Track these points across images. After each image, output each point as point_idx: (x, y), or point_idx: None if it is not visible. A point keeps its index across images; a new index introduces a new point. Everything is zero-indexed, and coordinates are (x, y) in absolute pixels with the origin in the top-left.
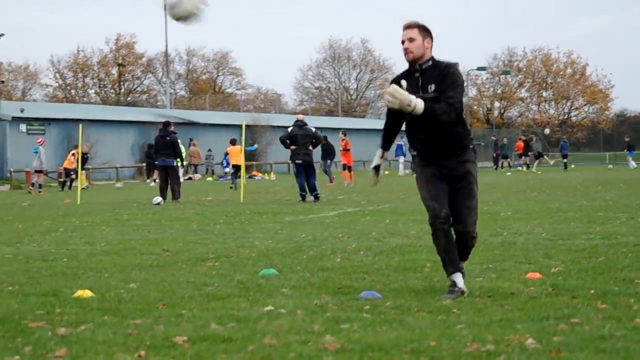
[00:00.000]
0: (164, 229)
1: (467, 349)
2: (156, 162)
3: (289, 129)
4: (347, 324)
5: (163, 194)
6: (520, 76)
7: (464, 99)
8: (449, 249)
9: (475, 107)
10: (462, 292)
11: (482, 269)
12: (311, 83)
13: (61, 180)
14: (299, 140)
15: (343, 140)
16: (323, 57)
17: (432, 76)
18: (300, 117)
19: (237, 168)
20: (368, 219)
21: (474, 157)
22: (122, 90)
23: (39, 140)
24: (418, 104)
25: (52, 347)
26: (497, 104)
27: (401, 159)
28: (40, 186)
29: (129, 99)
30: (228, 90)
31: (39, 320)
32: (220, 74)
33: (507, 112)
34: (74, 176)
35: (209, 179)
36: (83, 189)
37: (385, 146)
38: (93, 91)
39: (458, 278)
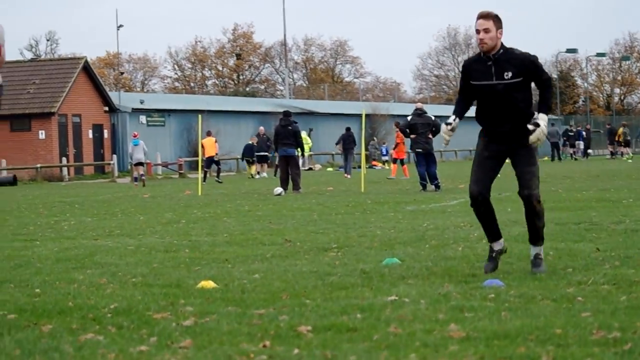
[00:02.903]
0: (285, 220)
1: (594, 337)
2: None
3: (409, 118)
4: (471, 313)
5: (284, 185)
6: None
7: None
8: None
9: (595, 94)
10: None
11: (605, 257)
12: (430, 71)
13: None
14: (419, 128)
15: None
16: (442, 46)
17: (507, 64)
18: (420, 105)
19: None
20: None
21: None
22: (241, 81)
23: (135, 134)
24: (545, 118)
25: (177, 338)
26: (617, 90)
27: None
28: (136, 179)
29: (247, 89)
30: (346, 79)
31: (163, 311)
32: (338, 62)
33: (627, 99)
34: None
35: (329, 169)
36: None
37: (460, 116)
38: (211, 82)
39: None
